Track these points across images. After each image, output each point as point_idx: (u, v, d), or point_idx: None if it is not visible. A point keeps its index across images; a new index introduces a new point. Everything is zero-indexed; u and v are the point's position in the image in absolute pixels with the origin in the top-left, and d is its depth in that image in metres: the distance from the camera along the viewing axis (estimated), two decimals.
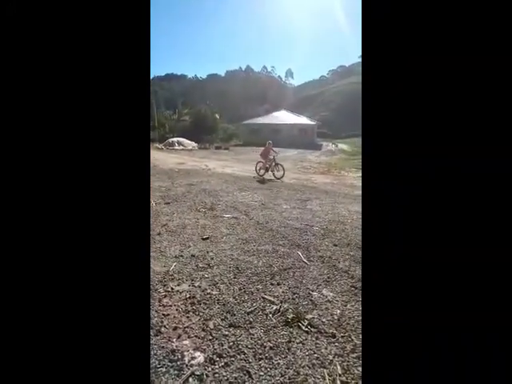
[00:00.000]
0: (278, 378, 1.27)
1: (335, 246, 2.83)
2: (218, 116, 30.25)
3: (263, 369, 1.32)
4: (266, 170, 8.50)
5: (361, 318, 1.71)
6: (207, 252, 2.60)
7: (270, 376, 1.29)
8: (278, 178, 8.10)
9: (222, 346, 1.47)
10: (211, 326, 1.61)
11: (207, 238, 2.93)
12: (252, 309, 1.78)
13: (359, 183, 8.35)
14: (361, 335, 1.56)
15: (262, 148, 8.82)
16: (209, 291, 1.96)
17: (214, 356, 1.39)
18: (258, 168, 8.68)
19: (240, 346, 1.46)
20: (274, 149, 8.53)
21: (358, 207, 4.54)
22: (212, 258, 2.47)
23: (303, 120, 28.91)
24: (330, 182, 7.70)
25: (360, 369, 1.34)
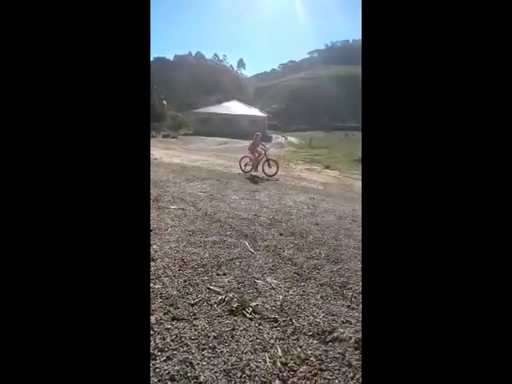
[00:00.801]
0: (220, 366, 1.29)
1: (281, 235, 2.93)
2: (165, 103, 28.79)
3: (206, 359, 1.32)
4: (255, 166, 7.60)
5: (301, 302, 1.82)
6: (151, 245, 2.49)
7: (212, 365, 1.29)
8: (270, 176, 7.23)
9: (164, 339, 1.43)
10: (153, 321, 1.55)
11: (151, 231, 2.80)
12: (196, 300, 1.76)
13: (305, 175, 8.75)
14: (301, 319, 1.66)
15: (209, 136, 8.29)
16: (151, 285, 1.89)
17: (156, 351, 1.35)
18: (243, 164, 7.74)
19: (183, 339, 1.44)
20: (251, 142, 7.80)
21: (304, 198, 4.76)
22: (156, 251, 2.37)
23: (255, 112, 29.08)
24: (279, 174, 7.93)
25: (299, 349, 1.42)
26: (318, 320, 1.65)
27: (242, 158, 7.99)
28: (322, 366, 1.33)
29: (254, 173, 7.53)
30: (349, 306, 1.81)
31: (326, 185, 6.83)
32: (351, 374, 1.29)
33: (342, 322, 1.66)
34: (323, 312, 1.73)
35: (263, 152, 7.65)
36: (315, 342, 1.49)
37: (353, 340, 1.50)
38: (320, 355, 1.39)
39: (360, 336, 1.54)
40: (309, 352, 1.41)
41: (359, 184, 7.33)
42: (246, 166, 7.76)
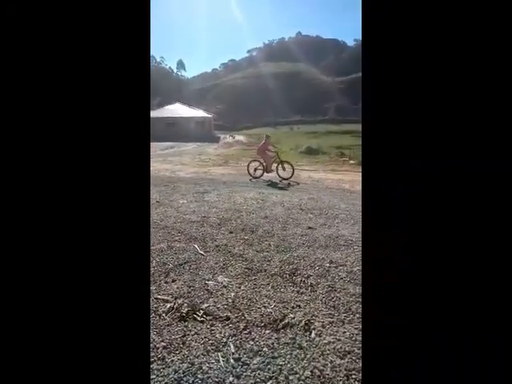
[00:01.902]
0: (171, 376, 1.23)
1: (231, 233, 2.92)
2: None
3: (155, 371, 1.26)
4: (265, 169, 7.01)
5: (253, 296, 1.83)
6: None
7: (162, 376, 1.24)
8: (286, 179, 6.72)
9: None
10: None
11: None
12: None
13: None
14: (253, 312, 1.67)
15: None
16: None
17: None
18: (252, 169, 7.07)
19: None
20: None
21: (254, 194, 4.81)
22: None
23: (199, 113, 28.59)
24: (228, 173, 7.90)
25: (252, 342, 1.43)
26: (269, 310, 1.68)
27: (251, 162, 7.40)
28: (275, 354, 1.35)
29: (264, 177, 7.01)
30: (298, 292, 1.87)
31: (275, 178, 6.98)
32: (302, 356, 1.33)
33: (293, 307, 1.71)
34: (274, 301, 1.76)
35: (275, 154, 7.13)
36: (267, 331, 1.51)
37: (303, 323, 1.56)
38: (272, 343, 1.42)
39: (309, 318, 1.60)
40: (262, 343, 1.42)
41: (306, 174, 7.62)
42: (255, 170, 7.06)
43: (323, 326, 1.54)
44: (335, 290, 1.88)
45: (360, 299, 1.78)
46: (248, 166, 7.36)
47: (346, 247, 2.60)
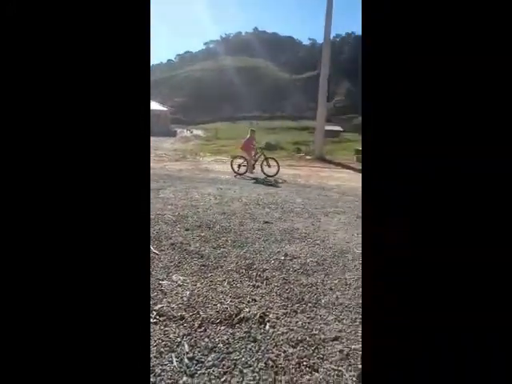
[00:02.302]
0: None
1: (187, 230, 2.86)
2: None
3: None
4: (251, 166, 6.86)
5: (208, 293, 1.82)
6: None
7: None
8: (271, 176, 6.58)
9: None
10: None
11: None
12: None
13: (213, 167, 8.75)
14: (208, 309, 1.66)
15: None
16: None
17: None
18: (235, 165, 6.86)
19: None
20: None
21: (211, 190, 4.75)
22: None
23: (155, 106, 27.32)
24: (185, 168, 7.70)
25: (207, 340, 1.42)
26: (225, 306, 1.68)
27: (234, 158, 7.17)
28: (230, 349, 1.36)
29: (250, 174, 6.82)
30: (254, 286, 1.90)
31: (234, 174, 6.98)
32: (256, 348, 1.36)
33: (248, 301, 1.73)
34: (230, 297, 1.77)
35: (260, 150, 6.97)
36: (223, 328, 1.51)
37: (258, 316, 1.59)
38: (227, 339, 1.42)
39: (264, 310, 1.64)
40: (216, 339, 1.42)
41: (264, 169, 7.68)
42: (239, 167, 6.87)
43: (277, 318, 1.58)
44: (289, 282, 1.94)
45: (312, 288, 1.87)
46: (231, 162, 7.12)
47: (300, 240, 2.70)
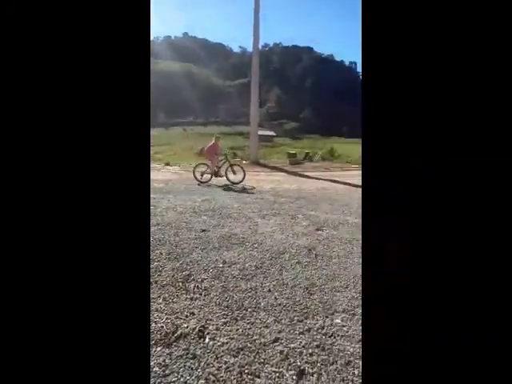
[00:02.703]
0: None
1: None
2: None
3: None
4: (215, 173, 6.59)
5: None
6: None
7: None
8: (237, 184, 6.40)
9: None
10: None
11: None
12: None
13: None
14: None
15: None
16: None
17: None
18: (198, 173, 6.59)
19: None
20: None
21: None
22: None
23: None
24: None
25: None
26: (160, 325, 1.56)
27: (197, 165, 6.83)
28: (166, 371, 1.26)
29: (213, 181, 6.54)
30: (192, 298, 1.82)
31: (168, 182, 6.67)
32: (196, 365, 1.29)
33: (186, 316, 1.64)
34: (166, 314, 1.66)
35: (224, 156, 6.75)
36: (159, 348, 1.40)
37: (196, 330, 1.52)
38: (164, 360, 1.32)
39: (203, 323, 1.57)
40: (152, 363, 1.31)
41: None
42: (202, 175, 6.61)
43: (217, 329, 1.53)
44: (228, 290, 1.91)
45: (251, 293, 1.87)
46: (194, 170, 6.83)
47: (238, 245, 2.70)
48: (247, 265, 2.28)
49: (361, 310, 1.70)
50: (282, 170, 10.57)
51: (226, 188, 6.11)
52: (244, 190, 5.82)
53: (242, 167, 6.86)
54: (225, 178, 6.70)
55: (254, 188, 6.11)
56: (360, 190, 5.89)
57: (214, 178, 6.74)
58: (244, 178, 6.64)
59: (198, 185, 6.51)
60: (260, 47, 12.92)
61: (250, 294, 1.86)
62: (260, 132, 15.24)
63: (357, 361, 1.32)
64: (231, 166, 6.80)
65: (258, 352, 1.37)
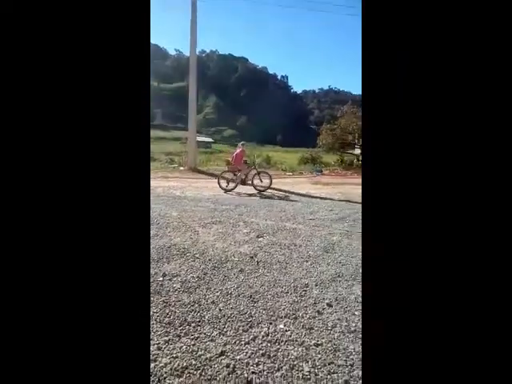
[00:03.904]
0: None
1: None
2: None
3: None
4: (242, 181, 6.58)
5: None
6: None
7: None
8: (263, 191, 6.45)
9: None
10: None
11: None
12: None
13: None
14: None
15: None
16: None
17: None
18: (223, 181, 6.58)
19: None
20: None
21: None
22: None
23: None
24: None
25: None
26: None
27: (222, 173, 6.87)
28: None
29: (238, 189, 6.49)
30: None
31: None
32: None
33: None
34: None
35: (252, 163, 6.86)
36: None
37: None
38: None
39: None
40: None
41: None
42: (228, 183, 6.59)
43: (159, 348, 1.44)
44: (170, 305, 1.81)
45: (194, 306, 1.80)
46: (218, 178, 6.74)
47: (179, 256, 2.58)
48: (189, 276, 2.19)
49: (306, 315, 1.78)
50: None
51: (163, 196, 5.81)
52: (182, 198, 5.61)
53: (269, 174, 6.82)
54: (250, 185, 6.69)
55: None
56: (294, 196, 6.22)
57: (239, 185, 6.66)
58: (271, 184, 6.57)
59: (225, 192, 6.45)
60: (197, 52, 12.77)
61: (193, 308, 1.79)
62: (198, 138, 14.98)
63: (301, 364, 1.37)
64: (258, 173, 6.77)
65: (203, 369, 1.32)
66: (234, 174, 6.76)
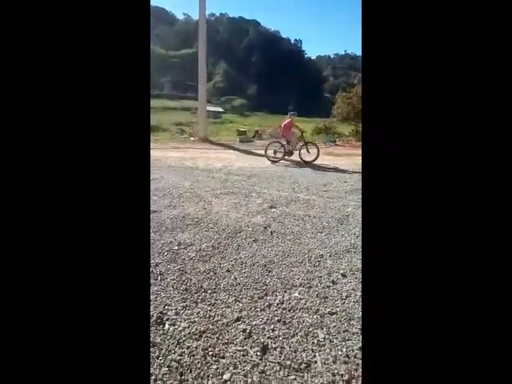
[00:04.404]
0: None
1: None
2: None
3: None
4: (289, 152, 6.43)
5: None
6: None
7: None
8: (309, 163, 6.25)
9: None
10: None
11: None
12: None
13: None
14: None
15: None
16: None
17: None
18: (271, 151, 6.49)
19: None
20: None
21: None
22: None
23: None
24: None
25: None
26: None
27: (270, 143, 6.82)
28: None
29: (284, 160, 6.45)
30: None
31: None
32: (156, 353, 1.23)
33: None
34: None
35: (300, 134, 6.60)
36: None
37: (155, 317, 1.44)
38: None
39: (161, 309, 1.51)
40: None
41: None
42: (275, 153, 6.52)
43: (177, 313, 1.48)
44: (186, 272, 1.85)
45: (210, 274, 1.84)
46: (266, 148, 6.72)
47: (193, 226, 2.61)
48: (204, 246, 2.22)
49: (320, 285, 1.80)
50: (232, 147, 10.43)
51: (175, 166, 5.82)
52: (194, 168, 5.60)
53: (316, 146, 6.70)
54: (297, 156, 6.55)
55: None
56: (307, 167, 6.12)
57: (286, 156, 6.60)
58: (318, 156, 6.47)
59: (272, 163, 6.42)
60: (206, 16, 12.11)
61: (208, 276, 1.82)
62: (208, 108, 14.68)
63: (315, 331, 1.40)
64: (306, 144, 6.64)
65: (220, 333, 1.36)
66: (282, 145, 6.68)
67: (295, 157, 6.70)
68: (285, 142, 6.67)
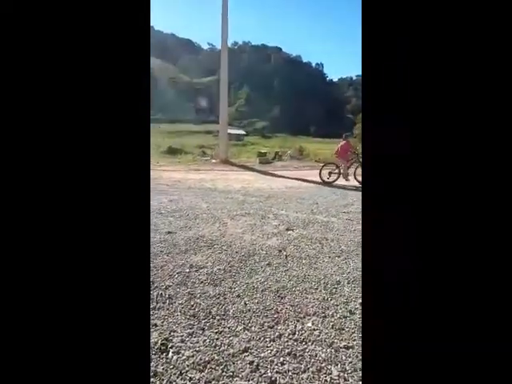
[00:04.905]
0: None
1: None
2: None
3: None
4: (344, 174, 6.47)
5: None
6: None
7: None
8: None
9: None
10: None
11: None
12: None
13: None
14: None
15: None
16: None
17: None
18: (325, 173, 6.54)
19: None
20: None
21: None
22: None
23: None
24: None
25: None
26: None
27: (324, 165, 6.90)
28: None
29: (339, 182, 6.50)
30: (154, 308, 1.68)
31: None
32: None
33: None
34: None
35: (356, 156, 6.57)
36: None
37: (158, 344, 1.39)
38: None
39: (167, 336, 1.45)
40: None
41: (167, 175, 7.28)
42: (330, 174, 6.56)
43: (182, 341, 1.42)
44: (195, 297, 1.80)
45: (219, 299, 1.77)
46: (320, 170, 6.74)
47: (206, 248, 2.58)
48: (215, 269, 2.17)
49: (336, 314, 1.67)
50: (251, 169, 10.51)
51: (194, 188, 5.91)
52: (213, 190, 5.66)
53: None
54: (352, 180, 6.56)
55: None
56: (328, 187, 6.00)
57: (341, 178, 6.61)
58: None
59: (324, 184, 6.48)
60: (229, 45, 12.72)
61: (218, 301, 1.76)
62: (230, 130, 15.08)
63: (329, 366, 1.28)
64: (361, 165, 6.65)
65: (226, 365, 1.28)
66: (337, 167, 6.73)
67: (351, 180, 6.66)
68: (341, 164, 6.70)
